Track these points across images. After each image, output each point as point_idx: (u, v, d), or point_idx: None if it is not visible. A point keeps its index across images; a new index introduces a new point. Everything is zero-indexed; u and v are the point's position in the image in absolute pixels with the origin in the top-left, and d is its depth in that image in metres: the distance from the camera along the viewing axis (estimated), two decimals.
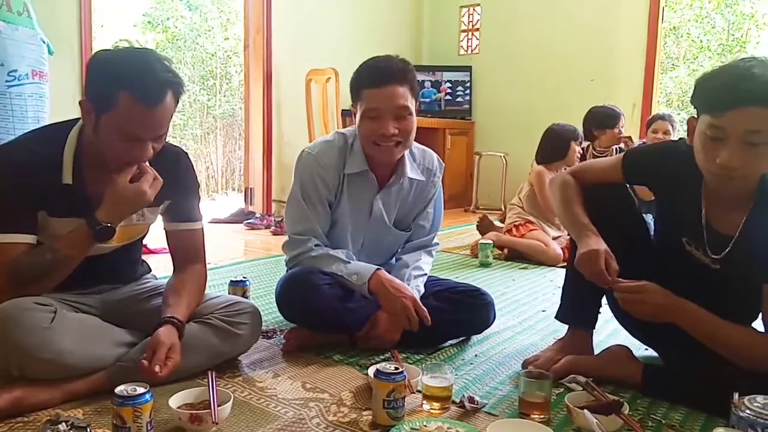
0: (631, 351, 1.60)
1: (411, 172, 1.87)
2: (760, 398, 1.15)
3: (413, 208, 1.96)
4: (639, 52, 5.16)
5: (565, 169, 2.74)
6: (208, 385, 1.30)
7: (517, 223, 3.47)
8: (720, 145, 1.27)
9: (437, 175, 1.96)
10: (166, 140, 1.48)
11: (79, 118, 1.43)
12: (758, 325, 1.45)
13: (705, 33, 7.94)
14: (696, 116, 1.36)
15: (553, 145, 3.44)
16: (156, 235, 1.70)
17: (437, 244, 2.03)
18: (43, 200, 1.37)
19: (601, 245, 1.43)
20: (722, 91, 1.25)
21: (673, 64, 8.04)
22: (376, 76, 1.70)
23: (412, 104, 1.73)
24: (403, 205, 1.93)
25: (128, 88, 1.27)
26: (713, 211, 1.44)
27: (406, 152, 1.84)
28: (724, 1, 7.62)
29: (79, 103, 1.35)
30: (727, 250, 1.41)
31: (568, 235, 1.66)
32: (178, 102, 1.37)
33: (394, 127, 1.70)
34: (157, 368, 1.29)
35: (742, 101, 1.22)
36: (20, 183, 1.34)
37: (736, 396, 1.17)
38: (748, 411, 1.13)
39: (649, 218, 1.71)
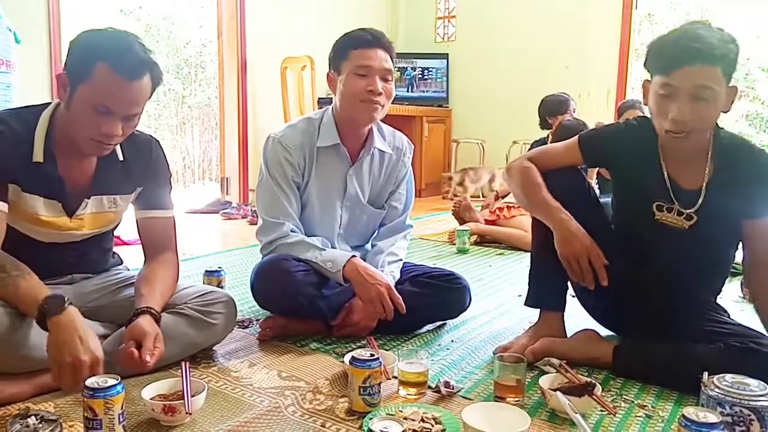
0: (600, 334, 1.63)
1: (380, 144, 1.91)
2: (728, 377, 1.18)
3: (385, 186, 1.98)
4: (613, 39, 5.20)
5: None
6: (182, 376, 1.29)
7: (509, 205, 3.46)
8: (671, 101, 1.36)
9: (407, 156, 2.00)
10: (138, 129, 1.46)
11: (49, 103, 1.41)
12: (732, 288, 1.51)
13: (679, 20, 8.02)
14: (649, 79, 1.44)
15: (561, 140, 3.38)
16: (130, 227, 1.67)
17: (411, 226, 2.04)
18: (15, 173, 1.34)
19: (587, 237, 1.48)
20: (671, 52, 1.35)
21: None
22: (367, 39, 1.77)
23: (393, 71, 1.80)
24: (375, 182, 1.95)
25: (106, 60, 1.27)
26: (675, 171, 1.50)
27: (375, 128, 1.88)
28: None
29: (56, 76, 1.33)
30: (699, 202, 1.46)
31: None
32: (154, 89, 1.37)
33: (381, 87, 1.75)
34: (148, 357, 1.27)
35: (689, 59, 1.32)
36: None
37: (705, 375, 1.20)
38: (717, 390, 1.16)
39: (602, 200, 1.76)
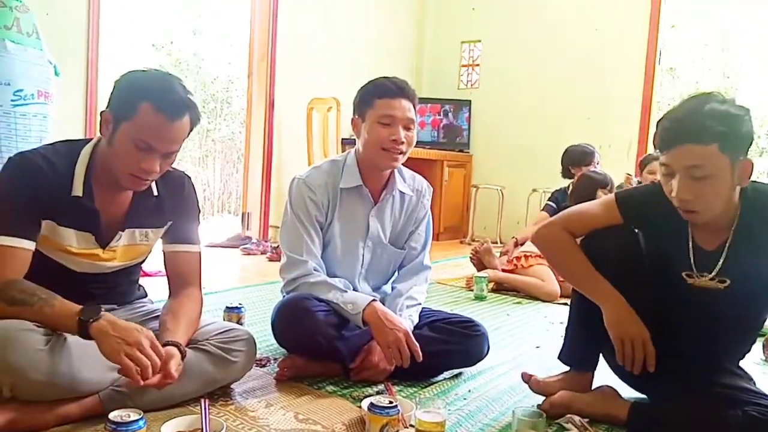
0: (617, 391, 1.61)
1: (401, 186, 1.96)
2: None
3: (406, 226, 2.01)
4: (636, 92, 5.24)
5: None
6: (201, 413, 1.30)
7: (527, 254, 3.45)
8: (672, 179, 1.36)
9: (426, 197, 2.04)
10: (171, 167, 1.51)
11: (91, 139, 1.47)
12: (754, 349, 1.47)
13: (702, 75, 8.07)
14: None
15: (582, 192, 3.34)
16: (151, 258, 1.70)
17: (429, 267, 2.05)
18: (53, 209, 1.39)
19: (641, 323, 1.46)
20: (664, 131, 1.36)
21: (669, 104, 8.16)
22: (392, 89, 1.83)
23: (416, 120, 1.86)
24: (396, 222, 1.99)
25: (150, 99, 1.32)
26: (701, 236, 1.47)
27: (396, 171, 1.94)
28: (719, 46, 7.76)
29: (100, 113, 1.40)
30: (720, 263, 1.44)
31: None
32: (192, 128, 1.42)
33: (403, 136, 1.81)
34: (173, 370, 1.29)
35: (678, 140, 1.32)
36: (31, 191, 1.35)
37: None
38: None
39: None
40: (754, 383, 1.52)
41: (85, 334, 1.25)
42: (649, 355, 1.46)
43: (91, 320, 1.24)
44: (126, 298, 1.65)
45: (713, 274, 1.46)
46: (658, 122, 1.41)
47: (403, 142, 1.81)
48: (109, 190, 1.44)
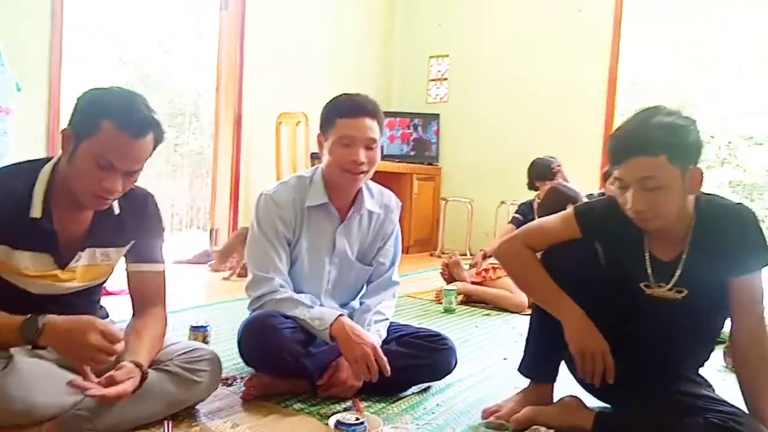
0: (583, 402, 1.63)
1: (369, 204, 1.94)
2: None
3: (373, 243, 2.00)
4: (599, 106, 5.37)
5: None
6: None
7: (495, 266, 3.48)
8: (626, 192, 1.40)
9: (395, 212, 2.03)
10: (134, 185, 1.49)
11: (51, 158, 1.44)
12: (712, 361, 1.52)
13: (663, 86, 8.28)
14: None
15: (551, 206, 3.37)
16: (114, 277, 1.67)
17: (398, 283, 2.05)
18: (9, 234, 1.35)
19: (601, 337, 1.50)
20: (615, 146, 1.41)
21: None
22: (352, 108, 1.80)
23: (379, 138, 1.84)
24: (364, 239, 1.98)
25: (113, 117, 1.30)
26: (657, 247, 1.51)
27: (364, 187, 1.92)
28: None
29: (62, 131, 1.37)
30: (678, 273, 1.47)
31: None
32: (155, 147, 1.40)
33: (364, 156, 1.78)
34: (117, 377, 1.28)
35: (628, 154, 1.37)
36: None
37: None
38: None
39: None
40: (713, 390, 1.55)
41: (34, 341, 1.26)
42: (609, 367, 1.50)
43: (35, 334, 1.25)
44: None
45: (671, 284, 1.49)
46: (609, 138, 1.45)
47: (363, 163, 1.79)
48: (69, 209, 1.41)
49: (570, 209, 1.63)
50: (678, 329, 1.50)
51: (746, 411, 1.43)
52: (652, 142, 1.34)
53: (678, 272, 1.48)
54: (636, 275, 1.53)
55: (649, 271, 1.51)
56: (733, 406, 1.44)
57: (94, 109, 1.33)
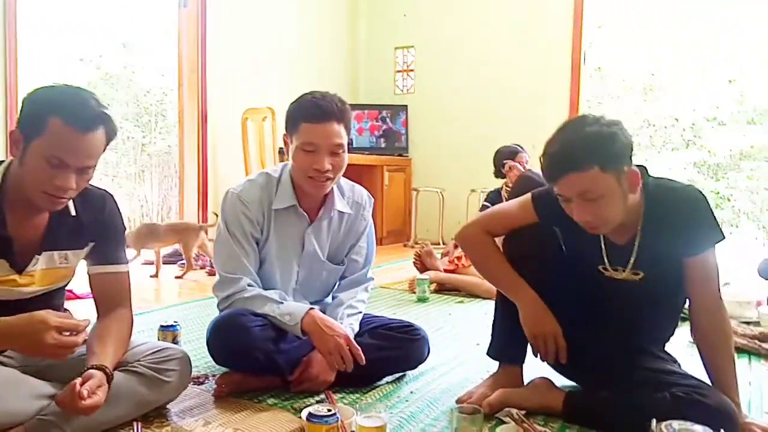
0: (553, 382, 1.66)
1: (339, 204, 1.90)
2: (675, 424, 1.20)
3: (345, 241, 1.97)
4: (563, 92, 5.43)
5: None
6: None
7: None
8: (569, 204, 1.43)
9: (367, 209, 2.00)
10: (92, 183, 1.46)
11: (2, 161, 1.40)
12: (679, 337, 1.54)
13: (627, 73, 8.40)
14: None
15: (521, 192, 3.42)
16: (82, 280, 1.64)
17: (372, 279, 2.04)
18: None
19: (554, 320, 1.55)
20: (547, 166, 1.43)
21: (599, 102, 8.45)
22: (316, 113, 1.72)
23: (346, 142, 1.78)
24: (335, 238, 1.95)
25: (60, 113, 1.27)
26: (611, 233, 1.53)
27: (335, 186, 1.88)
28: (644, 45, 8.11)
29: (9, 134, 1.33)
30: (633, 257, 1.50)
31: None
32: (108, 143, 1.37)
33: (329, 163, 1.73)
34: (85, 392, 1.24)
35: (561, 172, 1.39)
36: None
37: (653, 422, 1.22)
38: None
39: None
40: (679, 365, 1.59)
41: None
42: (561, 348, 1.56)
43: None
44: None
45: (627, 268, 1.53)
46: (540, 157, 1.46)
47: (327, 170, 1.73)
48: (24, 212, 1.37)
49: (528, 195, 1.65)
50: (639, 309, 1.54)
51: (710, 384, 1.47)
52: (581, 158, 1.36)
53: (633, 256, 1.51)
54: (593, 259, 1.56)
55: (605, 255, 1.55)
56: (697, 379, 1.48)
57: (40, 107, 1.29)
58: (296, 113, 1.77)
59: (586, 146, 1.36)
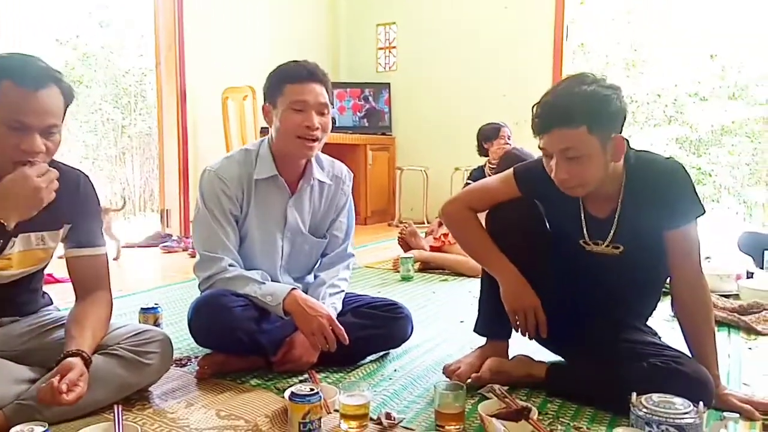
0: (532, 359, 1.67)
1: (318, 174, 1.90)
2: (655, 397, 1.22)
3: (326, 215, 1.97)
4: (546, 69, 5.41)
5: None
6: (114, 420, 1.24)
7: None
8: (551, 160, 1.44)
9: (347, 183, 2.00)
10: (67, 164, 1.43)
11: None
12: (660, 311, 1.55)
13: (610, 48, 8.39)
14: None
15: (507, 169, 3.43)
16: (63, 264, 1.62)
17: (353, 255, 2.04)
18: None
19: (533, 295, 1.56)
20: (537, 117, 1.43)
21: None
22: (302, 73, 1.75)
23: (330, 106, 1.80)
24: (316, 211, 1.94)
25: (9, 75, 1.26)
26: (592, 206, 1.55)
27: (313, 159, 1.87)
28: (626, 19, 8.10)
29: None
30: (613, 231, 1.51)
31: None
32: (67, 104, 1.35)
33: (317, 122, 1.75)
34: (64, 387, 1.22)
35: (547, 126, 1.40)
36: None
37: (634, 395, 1.24)
38: (644, 409, 1.20)
39: None
40: (660, 338, 1.60)
41: None
42: (541, 322, 1.58)
43: None
44: (28, 308, 1.56)
45: (607, 241, 1.53)
46: (533, 107, 1.46)
47: (317, 128, 1.75)
48: None
49: (510, 170, 1.64)
50: (620, 283, 1.55)
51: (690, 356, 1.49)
52: (572, 114, 1.36)
53: (613, 229, 1.52)
54: (574, 233, 1.57)
55: (585, 229, 1.55)
56: (676, 350, 1.49)
57: None
58: (280, 76, 1.78)
59: (578, 104, 1.36)
